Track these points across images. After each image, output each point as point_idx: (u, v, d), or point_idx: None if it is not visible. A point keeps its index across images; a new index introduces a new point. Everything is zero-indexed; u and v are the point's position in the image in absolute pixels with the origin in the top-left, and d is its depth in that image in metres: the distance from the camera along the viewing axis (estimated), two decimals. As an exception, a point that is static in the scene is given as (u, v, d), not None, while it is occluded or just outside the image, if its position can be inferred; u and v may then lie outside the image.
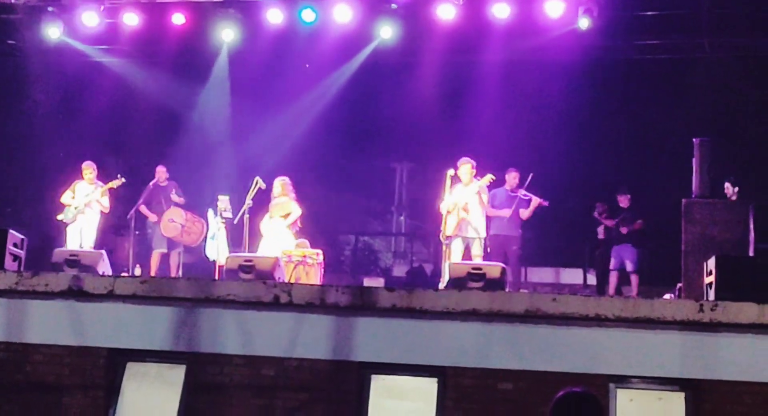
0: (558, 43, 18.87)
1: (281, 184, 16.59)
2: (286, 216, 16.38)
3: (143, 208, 17.77)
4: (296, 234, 16.55)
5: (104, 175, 17.76)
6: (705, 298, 11.94)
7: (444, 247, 15.47)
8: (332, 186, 24.80)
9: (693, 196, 14.31)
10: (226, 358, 11.59)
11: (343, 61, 20.90)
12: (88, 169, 17.32)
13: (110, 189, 17.27)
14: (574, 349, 11.08)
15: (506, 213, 16.22)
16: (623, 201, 17.83)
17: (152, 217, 17.87)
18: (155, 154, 20.58)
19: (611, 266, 17.68)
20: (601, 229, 18.36)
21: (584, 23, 17.60)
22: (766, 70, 19.54)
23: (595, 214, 18.33)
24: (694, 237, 13.74)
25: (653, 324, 10.95)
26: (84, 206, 17.08)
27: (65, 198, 17.22)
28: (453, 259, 14.94)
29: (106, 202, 17.27)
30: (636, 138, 21.79)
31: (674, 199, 14.42)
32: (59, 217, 17.20)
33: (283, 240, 16.19)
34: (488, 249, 16.20)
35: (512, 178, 16.66)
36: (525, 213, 16.54)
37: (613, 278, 17.62)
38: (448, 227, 15.29)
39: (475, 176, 15.53)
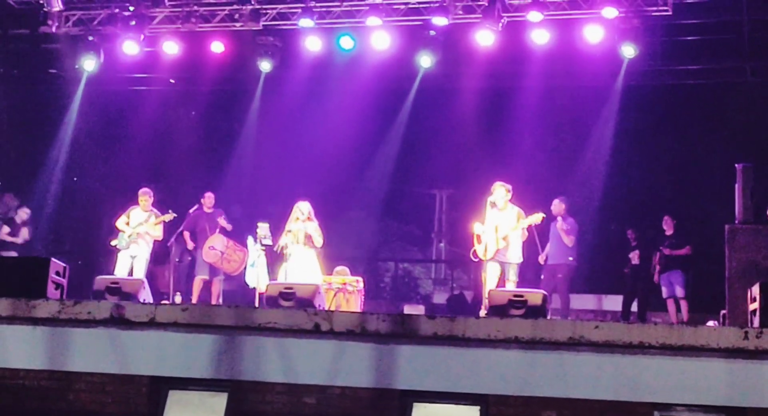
0: (598, 68, 18.85)
1: (309, 210, 16.34)
2: (313, 242, 16.25)
3: (186, 235, 17.75)
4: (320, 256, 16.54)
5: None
6: (749, 325, 11.83)
7: (482, 272, 15.39)
8: (372, 212, 24.83)
9: (736, 221, 14.14)
10: (267, 386, 11.56)
11: (382, 88, 20.90)
12: (145, 196, 17.33)
13: (162, 222, 17.27)
14: (618, 377, 10.98)
15: None
16: (668, 227, 17.70)
17: (190, 245, 17.89)
18: (195, 182, 20.67)
19: (665, 294, 17.60)
20: (634, 255, 18.20)
21: (629, 51, 17.51)
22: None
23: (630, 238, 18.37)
24: (738, 264, 13.55)
25: (698, 351, 10.84)
26: (137, 236, 17.08)
27: (120, 223, 17.27)
28: (489, 284, 14.90)
29: (158, 231, 17.30)
30: (678, 163, 21.68)
31: (717, 225, 14.28)
32: (113, 243, 17.27)
33: (316, 270, 16.18)
34: (542, 276, 16.37)
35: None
36: (566, 240, 16.66)
37: (671, 306, 17.53)
38: (481, 250, 15.20)
39: (510, 200, 15.41)
